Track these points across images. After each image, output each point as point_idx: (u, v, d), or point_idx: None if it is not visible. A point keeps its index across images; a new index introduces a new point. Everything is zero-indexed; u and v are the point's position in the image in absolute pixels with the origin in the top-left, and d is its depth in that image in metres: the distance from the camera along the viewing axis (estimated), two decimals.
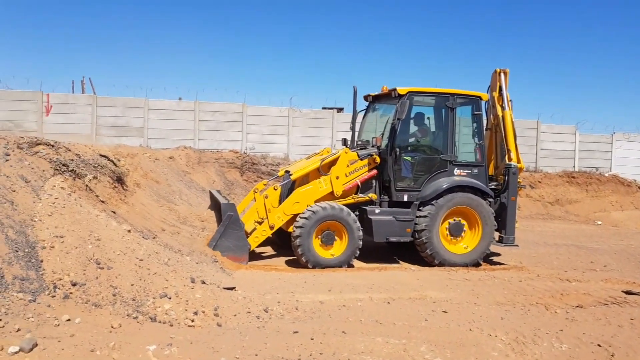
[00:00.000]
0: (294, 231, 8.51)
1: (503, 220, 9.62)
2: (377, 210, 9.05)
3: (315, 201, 8.88)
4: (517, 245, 9.78)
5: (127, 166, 10.28)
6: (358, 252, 8.77)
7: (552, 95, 50.76)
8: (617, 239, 13.67)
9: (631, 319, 6.14)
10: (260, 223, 8.83)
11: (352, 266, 8.79)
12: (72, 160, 7.47)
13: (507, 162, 9.79)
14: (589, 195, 20.18)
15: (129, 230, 6.36)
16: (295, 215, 8.71)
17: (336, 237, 8.74)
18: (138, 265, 5.61)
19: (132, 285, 5.28)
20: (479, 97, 9.55)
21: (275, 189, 8.94)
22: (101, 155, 8.63)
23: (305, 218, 8.47)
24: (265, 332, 5.06)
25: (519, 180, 9.89)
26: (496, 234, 9.61)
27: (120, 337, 4.34)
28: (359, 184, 9.21)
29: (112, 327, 4.54)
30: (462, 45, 53.38)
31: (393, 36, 55.61)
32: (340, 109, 21.82)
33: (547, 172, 21.08)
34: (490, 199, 9.45)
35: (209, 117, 20.40)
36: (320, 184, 9.03)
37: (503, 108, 10.01)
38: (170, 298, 5.29)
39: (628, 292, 7.49)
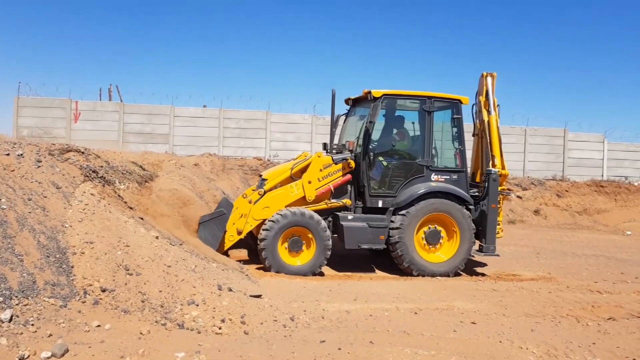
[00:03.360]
0: (260, 235, 8.40)
1: (483, 228, 9.28)
2: (349, 217, 8.84)
3: (287, 206, 8.70)
4: (497, 255, 9.47)
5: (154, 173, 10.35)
6: (326, 261, 8.54)
7: (580, 103, 49.84)
8: None
9: None
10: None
11: (322, 274, 8.60)
12: (102, 167, 7.57)
13: (490, 168, 9.50)
14: (617, 205, 19.76)
15: (157, 237, 6.41)
16: (265, 220, 8.56)
17: (304, 244, 8.57)
18: (166, 272, 5.65)
19: (160, 291, 5.32)
20: (459, 100, 9.24)
21: (260, 195, 8.83)
22: (130, 162, 8.72)
23: (272, 222, 8.35)
24: (292, 341, 5.04)
25: (504, 187, 9.65)
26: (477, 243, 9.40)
27: (149, 344, 4.36)
28: (332, 189, 8.98)
29: (141, 333, 4.58)
30: (496, 50, 52.87)
31: (420, 43, 55.37)
32: None
33: (574, 181, 20.71)
34: (470, 206, 9.18)
35: (234, 124, 20.55)
36: (292, 189, 8.87)
37: (489, 113, 9.75)
38: (197, 305, 5.31)
39: None
